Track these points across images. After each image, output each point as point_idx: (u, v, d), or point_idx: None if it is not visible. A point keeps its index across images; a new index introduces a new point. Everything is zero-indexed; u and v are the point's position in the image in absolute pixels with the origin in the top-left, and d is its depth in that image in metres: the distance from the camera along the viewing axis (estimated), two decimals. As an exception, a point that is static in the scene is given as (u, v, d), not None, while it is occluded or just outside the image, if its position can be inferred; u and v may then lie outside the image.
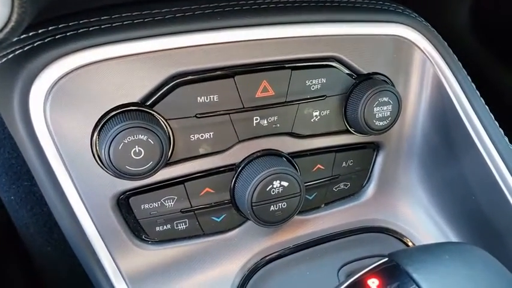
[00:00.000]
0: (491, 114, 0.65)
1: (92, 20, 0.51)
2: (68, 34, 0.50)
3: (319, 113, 0.64)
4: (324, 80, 0.62)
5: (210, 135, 0.58)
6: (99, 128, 0.53)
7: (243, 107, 0.58)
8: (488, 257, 0.48)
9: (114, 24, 0.51)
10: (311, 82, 0.61)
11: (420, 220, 0.72)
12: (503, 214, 0.62)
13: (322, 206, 0.72)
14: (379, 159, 0.73)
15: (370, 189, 0.74)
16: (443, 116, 0.66)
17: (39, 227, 0.78)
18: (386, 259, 0.46)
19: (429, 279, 0.42)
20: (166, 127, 0.56)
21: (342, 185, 0.72)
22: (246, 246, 0.67)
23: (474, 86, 0.66)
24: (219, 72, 0.56)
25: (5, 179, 0.74)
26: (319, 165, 0.68)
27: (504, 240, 0.63)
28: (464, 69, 0.66)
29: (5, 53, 0.50)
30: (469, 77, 0.66)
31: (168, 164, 0.58)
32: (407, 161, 0.72)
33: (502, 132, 0.64)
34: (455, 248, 0.50)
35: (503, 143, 0.63)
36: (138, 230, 0.60)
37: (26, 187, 0.74)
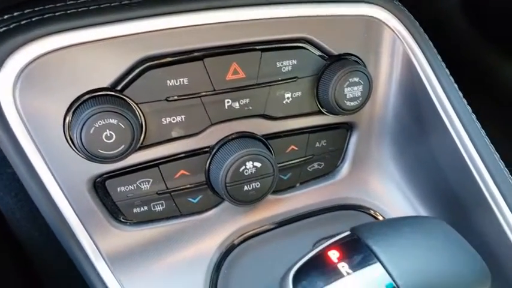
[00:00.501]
0: (460, 92, 0.67)
1: (58, 5, 0.51)
2: (33, 19, 0.50)
3: (291, 95, 0.65)
4: (294, 62, 0.63)
5: (182, 119, 0.59)
6: (70, 112, 0.53)
7: (214, 90, 0.59)
8: (448, 229, 0.50)
9: (80, 9, 0.52)
10: (282, 64, 0.62)
11: (392, 197, 0.74)
12: (470, 191, 0.64)
13: (298, 185, 0.74)
14: (353, 139, 0.74)
15: (345, 168, 0.75)
16: (414, 94, 0.67)
17: (25, 213, 0.79)
18: (348, 233, 0.48)
19: (388, 251, 0.44)
20: (137, 111, 0.56)
21: (316, 165, 0.73)
22: (223, 226, 0.69)
23: (444, 65, 0.67)
24: (188, 55, 0.57)
25: None
26: (292, 146, 0.69)
27: (470, 215, 0.65)
28: (434, 48, 0.67)
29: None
30: (439, 56, 0.67)
31: (142, 147, 0.59)
32: (379, 139, 0.74)
33: (470, 110, 0.66)
34: (416, 221, 0.52)
35: (470, 121, 0.65)
36: (116, 212, 0.62)
37: (10, 174, 0.75)
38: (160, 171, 0.61)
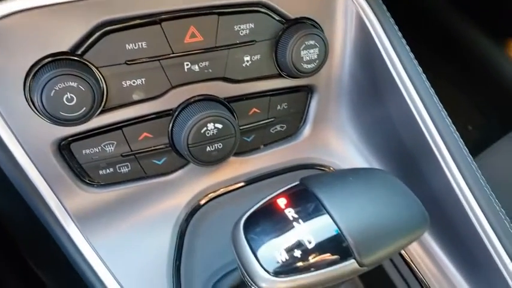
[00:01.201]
0: (411, 54, 0.69)
1: None
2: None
3: (250, 58, 0.67)
4: (252, 26, 0.65)
5: (142, 82, 0.61)
6: (30, 76, 0.55)
7: (172, 53, 0.61)
8: (390, 178, 0.54)
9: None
10: (239, 27, 0.64)
11: (350, 155, 0.78)
12: (420, 147, 0.68)
13: (261, 147, 0.77)
14: (313, 102, 0.77)
15: (306, 130, 0.79)
16: (368, 56, 0.70)
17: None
18: (297, 183, 0.51)
19: (331, 196, 0.48)
20: (98, 74, 0.58)
21: (278, 127, 0.76)
22: (188, 187, 0.72)
23: (396, 27, 0.70)
24: (146, 19, 0.58)
25: None
26: (254, 109, 0.72)
27: (420, 169, 0.69)
28: (388, 12, 0.70)
29: None
30: (392, 19, 0.70)
31: (105, 110, 0.61)
32: (338, 101, 0.77)
33: (420, 70, 0.69)
34: (361, 171, 0.56)
35: (420, 81, 0.68)
36: (83, 174, 0.64)
37: None
38: (123, 133, 0.63)
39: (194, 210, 0.71)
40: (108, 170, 0.65)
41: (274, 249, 0.45)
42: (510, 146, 1.33)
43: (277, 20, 0.66)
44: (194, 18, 0.61)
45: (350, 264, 0.45)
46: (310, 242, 0.46)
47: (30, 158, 0.59)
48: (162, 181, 0.70)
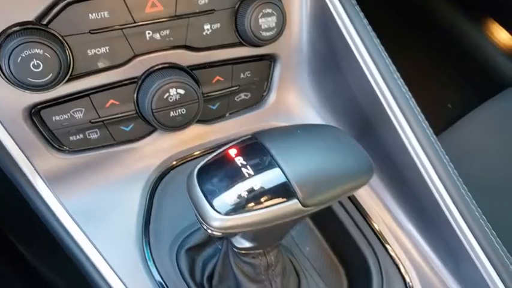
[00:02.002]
0: (369, 27, 0.73)
1: None
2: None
3: (210, 27, 0.71)
4: (210, -5, 0.69)
5: (106, 50, 0.64)
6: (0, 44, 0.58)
7: (134, 22, 0.64)
8: (339, 131, 0.58)
9: None
10: (198, -4, 0.68)
11: (313, 120, 0.82)
12: (376, 111, 0.72)
13: (227, 115, 0.81)
14: (276, 70, 0.81)
15: (270, 98, 0.83)
16: (326, 26, 0.74)
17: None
18: (249, 136, 0.55)
19: (277, 146, 0.52)
20: (63, 43, 0.61)
21: (242, 95, 0.80)
22: (156, 153, 0.76)
23: (354, 1, 0.73)
24: (106, -10, 0.62)
25: None
26: (218, 77, 0.76)
27: (376, 131, 0.74)
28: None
29: None
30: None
31: (72, 78, 0.64)
32: (299, 69, 0.81)
33: (378, 42, 0.72)
34: (311, 125, 0.60)
35: (376, 51, 0.72)
36: (54, 140, 0.68)
37: None
38: (91, 100, 0.67)
39: (163, 174, 0.75)
40: (78, 136, 0.69)
41: (224, 192, 0.49)
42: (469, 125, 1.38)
43: (235, -11, 0.70)
44: (154, -12, 0.65)
45: (293, 204, 0.49)
46: (257, 186, 0.50)
47: (2, 124, 0.63)
48: (131, 147, 0.74)
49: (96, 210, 0.70)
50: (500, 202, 1.20)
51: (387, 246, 0.76)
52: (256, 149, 0.53)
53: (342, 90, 0.78)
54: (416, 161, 0.70)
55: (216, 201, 0.49)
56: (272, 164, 0.51)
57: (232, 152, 0.52)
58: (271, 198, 0.49)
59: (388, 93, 0.71)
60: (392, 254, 0.76)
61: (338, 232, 0.79)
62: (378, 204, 0.79)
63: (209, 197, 0.49)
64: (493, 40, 2.07)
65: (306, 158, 0.53)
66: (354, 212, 0.79)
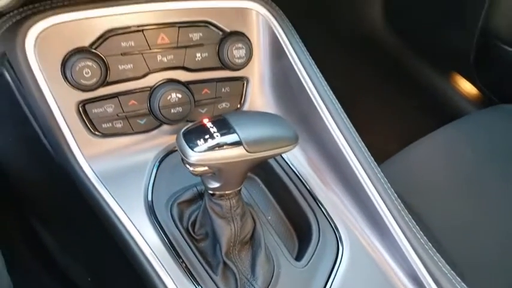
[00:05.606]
0: (307, 54, 1.07)
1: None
2: (46, 7, 0.91)
3: (201, 55, 1.05)
4: (201, 34, 1.03)
5: (131, 66, 0.98)
6: (65, 60, 0.93)
7: (150, 49, 0.99)
8: (280, 117, 0.90)
9: (72, 1, 0.92)
10: (193, 35, 1.03)
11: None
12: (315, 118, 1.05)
13: (213, 117, 1.13)
14: (248, 89, 1.14)
15: (244, 107, 1.15)
16: (279, 56, 1.09)
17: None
18: (219, 115, 0.86)
19: (235, 119, 0.82)
20: (104, 60, 0.96)
21: (224, 104, 1.13)
22: (163, 140, 1.06)
23: (297, 36, 1.08)
24: (134, 29, 0.97)
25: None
26: (206, 89, 1.08)
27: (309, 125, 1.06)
28: (290, 23, 1.09)
29: (8, 18, 0.91)
30: (293, 29, 1.09)
31: (107, 84, 0.97)
32: (264, 89, 1.14)
33: (317, 70, 1.06)
34: (263, 112, 0.92)
35: (315, 77, 1.05)
36: (92, 126, 1.00)
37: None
38: (119, 100, 1.00)
39: (167, 154, 1.06)
40: (108, 125, 1.01)
41: (199, 141, 0.79)
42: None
43: (218, 31, 1.06)
44: (164, 29, 1.00)
45: (241, 149, 0.80)
46: (220, 140, 0.79)
47: (61, 113, 0.96)
48: (145, 136, 1.06)
49: (118, 175, 0.99)
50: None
51: (323, 209, 1.04)
52: (222, 121, 0.84)
53: (294, 105, 1.12)
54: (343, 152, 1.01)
55: (193, 146, 0.79)
56: (231, 129, 0.82)
57: (206, 121, 0.84)
58: (228, 146, 0.80)
59: (327, 113, 1.04)
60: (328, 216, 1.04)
61: (291, 203, 1.08)
62: (318, 182, 1.09)
63: (189, 144, 0.80)
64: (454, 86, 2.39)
65: (252, 126, 0.84)
66: (302, 188, 1.08)
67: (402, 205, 1.00)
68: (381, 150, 1.89)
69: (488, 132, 1.73)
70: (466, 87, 2.39)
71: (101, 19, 0.94)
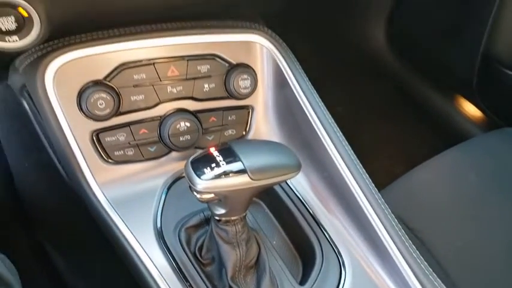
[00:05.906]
0: (309, 83, 1.12)
1: (76, 36, 0.99)
2: (64, 43, 0.97)
3: (208, 86, 1.11)
4: (209, 67, 1.09)
5: (142, 97, 1.04)
6: (81, 91, 0.99)
7: (160, 80, 1.05)
8: (284, 146, 0.94)
9: (88, 38, 0.99)
10: (201, 67, 1.08)
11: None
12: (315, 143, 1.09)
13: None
14: (254, 116, 1.19)
15: (250, 135, 1.19)
16: (282, 87, 1.14)
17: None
18: (225, 143, 0.91)
19: (240, 148, 0.87)
20: (117, 92, 1.02)
21: (230, 131, 1.17)
22: (171, 167, 1.12)
23: (300, 68, 1.14)
24: (145, 62, 1.03)
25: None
26: (213, 118, 1.13)
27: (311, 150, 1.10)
28: (292, 53, 1.14)
29: (30, 54, 0.97)
30: (296, 62, 1.14)
31: (120, 114, 1.03)
32: (268, 116, 1.19)
33: (318, 99, 1.11)
34: (267, 141, 0.96)
35: (316, 105, 1.10)
36: (105, 154, 1.05)
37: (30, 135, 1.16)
38: (130, 129, 1.05)
39: (175, 180, 1.10)
40: (120, 152, 1.06)
41: (205, 169, 0.84)
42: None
43: (225, 63, 1.11)
44: (173, 62, 1.06)
45: (245, 177, 0.84)
46: (226, 168, 0.84)
47: (76, 141, 1.01)
48: (154, 163, 1.11)
49: (129, 200, 1.04)
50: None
51: (326, 234, 1.07)
52: (227, 150, 0.88)
53: (297, 132, 1.16)
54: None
55: (200, 174, 0.84)
56: (236, 157, 0.87)
57: (212, 150, 0.88)
58: (233, 174, 0.84)
59: (328, 138, 1.08)
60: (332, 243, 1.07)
61: (295, 228, 1.11)
62: (321, 208, 1.12)
63: (197, 172, 0.84)
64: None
65: (256, 155, 0.88)
66: (306, 213, 1.11)
67: (403, 231, 1.02)
68: (388, 172, 1.92)
69: (493, 156, 1.75)
70: (470, 109, 2.42)
71: (115, 53, 1.01)
